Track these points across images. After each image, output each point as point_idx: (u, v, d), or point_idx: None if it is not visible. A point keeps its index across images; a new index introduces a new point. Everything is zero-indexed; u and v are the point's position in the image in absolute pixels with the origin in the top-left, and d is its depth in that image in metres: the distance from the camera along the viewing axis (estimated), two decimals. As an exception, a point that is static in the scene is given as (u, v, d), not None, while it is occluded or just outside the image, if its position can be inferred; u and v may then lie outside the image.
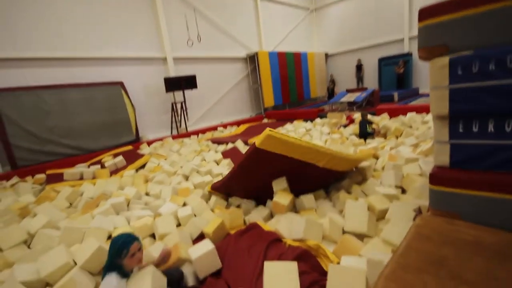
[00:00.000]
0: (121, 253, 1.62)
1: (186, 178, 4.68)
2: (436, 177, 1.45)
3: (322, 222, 2.31)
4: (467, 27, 1.33)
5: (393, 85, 11.83)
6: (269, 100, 11.81)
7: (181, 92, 8.95)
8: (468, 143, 1.36)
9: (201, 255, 2.02)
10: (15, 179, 5.51)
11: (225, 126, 10.06)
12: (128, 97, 7.93)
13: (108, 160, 5.88)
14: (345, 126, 7.23)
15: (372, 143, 5.27)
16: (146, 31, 8.74)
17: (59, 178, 5.10)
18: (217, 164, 5.41)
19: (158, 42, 9.02)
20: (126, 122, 7.72)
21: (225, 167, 4.98)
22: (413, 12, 11.71)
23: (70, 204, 3.94)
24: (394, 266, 1.00)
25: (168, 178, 4.60)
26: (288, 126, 7.86)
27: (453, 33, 1.36)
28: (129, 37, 8.36)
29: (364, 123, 6.00)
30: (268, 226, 2.49)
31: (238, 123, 10.46)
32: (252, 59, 11.54)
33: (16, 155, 6.11)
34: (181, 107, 9.00)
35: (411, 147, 4.33)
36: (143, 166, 5.68)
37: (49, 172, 5.55)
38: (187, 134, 8.86)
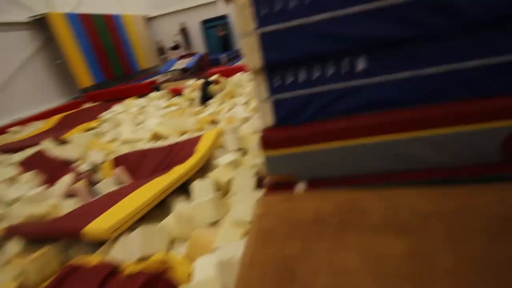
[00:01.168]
0: None
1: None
2: (264, 140, 1.29)
3: (165, 222, 1.87)
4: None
5: (219, 48, 12.24)
6: (85, 78, 9.41)
7: None
8: (287, 97, 1.24)
9: None
10: None
11: (23, 123, 7.22)
12: None
13: None
14: (175, 95, 6.86)
15: (211, 108, 5.19)
16: None
17: None
18: (11, 183, 3.70)
19: None
20: None
21: (25, 186, 3.45)
22: (221, -27, 11.98)
23: None
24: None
25: None
26: (117, 107, 6.54)
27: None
28: None
29: (205, 86, 5.82)
30: (97, 256, 1.79)
31: (45, 115, 7.76)
32: (43, 25, 8.46)
33: None
34: None
35: (243, 106, 4.50)
36: None
37: None
38: (-51, 150, 5.64)
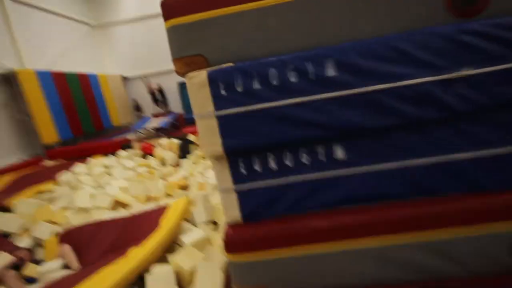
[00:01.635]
0: None
1: None
2: (230, 242, 1.02)
3: None
4: (225, 30, 0.99)
5: (196, 107, 12.50)
6: (49, 134, 8.89)
7: None
8: (255, 187, 1.03)
9: None
10: None
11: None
12: None
13: None
14: (145, 155, 6.60)
15: (183, 170, 4.88)
16: None
17: None
18: None
19: None
20: None
21: None
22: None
23: None
24: None
25: None
26: (79, 167, 5.99)
27: (208, 38, 0.99)
28: None
29: (186, 143, 5.95)
30: None
31: (-4, 174, 6.90)
32: (8, 81, 8.21)
33: None
34: None
35: (217, 168, 4.26)
36: None
37: None
38: None
